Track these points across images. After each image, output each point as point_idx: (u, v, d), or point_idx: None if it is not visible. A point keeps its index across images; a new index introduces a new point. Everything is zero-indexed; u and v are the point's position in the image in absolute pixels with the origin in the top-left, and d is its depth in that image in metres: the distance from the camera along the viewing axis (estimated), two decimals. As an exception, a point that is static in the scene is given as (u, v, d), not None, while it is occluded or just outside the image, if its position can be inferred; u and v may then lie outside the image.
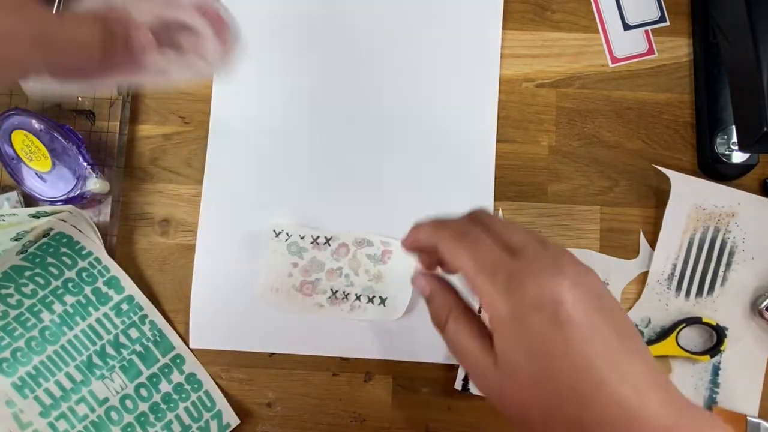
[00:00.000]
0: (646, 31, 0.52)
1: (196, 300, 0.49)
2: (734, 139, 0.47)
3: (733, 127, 0.48)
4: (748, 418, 0.47)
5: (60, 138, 0.47)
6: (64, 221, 0.47)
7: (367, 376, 0.49)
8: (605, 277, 0.49)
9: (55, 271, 0.47)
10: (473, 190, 0.50)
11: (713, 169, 0.49)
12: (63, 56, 0.31)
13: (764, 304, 0.47)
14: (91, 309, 0.47)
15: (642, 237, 0.49)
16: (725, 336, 0.47)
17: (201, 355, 0.48)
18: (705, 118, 0.50)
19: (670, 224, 0.48)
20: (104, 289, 0.47)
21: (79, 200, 0.48)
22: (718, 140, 0.49)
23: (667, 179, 0.48)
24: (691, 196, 0.48)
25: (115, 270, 0.48)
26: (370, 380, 0.49)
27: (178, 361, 0.48)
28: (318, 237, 0.49)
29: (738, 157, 0.48)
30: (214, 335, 0.49)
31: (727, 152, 0.48)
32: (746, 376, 0.48)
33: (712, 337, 0.48)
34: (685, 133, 0.51)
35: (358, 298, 0.48)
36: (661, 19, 0.52)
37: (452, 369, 0.48)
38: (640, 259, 0.49)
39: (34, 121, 0.47)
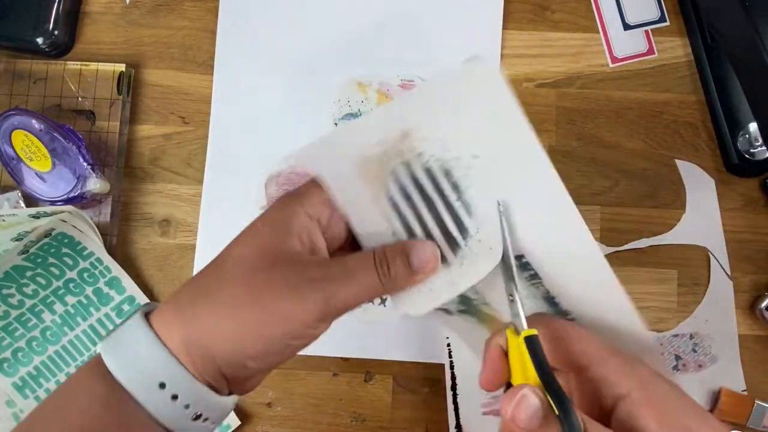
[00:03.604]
0: (646, 31, 0.52)
1: (196, 300, 0.49)
2: (749, 136, 0.48)
3: (750, 125, 0.48)
4: (756, 401, 0.46)
5: (60, 138, 0.47)
6: (65, 221, 0.47)
7: (367, 376, 0.49)
8: None
9: (57, 272, 0.47)
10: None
11: (739, 167, 0.49)
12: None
13: (764, 304, 0.47)
14: (92, 309, 0.47)
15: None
16: None
17: (201, 354, 0.49)
18: (720, 119, 0.49)
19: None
20: (105, 289, 0.48)
21: (79, 200, 0.48)
22: (740, 139, 0.48)
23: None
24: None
25: (117, 270, 0.48)
26: (370, 380, 0.49)
27: (178, 361, 0.48)
28: (318, 237, 0.49)
29: (762, 154, 0.48)
30: (214, 335, 0.49)
31: (752, 150, 0.48)
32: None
33: None
34: (685, 132, 0.51)
35: (358, 298, 0.48)
36: (661, 19, 0.52)
37: (452, 369, 0.48)
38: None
39: (34, 121, 0.47)
